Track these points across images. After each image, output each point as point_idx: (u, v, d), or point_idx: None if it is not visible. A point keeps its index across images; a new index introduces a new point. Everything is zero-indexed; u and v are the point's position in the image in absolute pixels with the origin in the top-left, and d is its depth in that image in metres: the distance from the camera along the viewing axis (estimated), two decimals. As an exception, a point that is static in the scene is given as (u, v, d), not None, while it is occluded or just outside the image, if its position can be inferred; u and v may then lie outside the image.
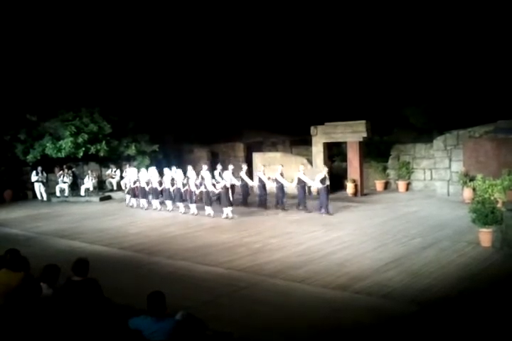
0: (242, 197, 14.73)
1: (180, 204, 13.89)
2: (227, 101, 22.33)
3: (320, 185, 12.93)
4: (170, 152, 20.93)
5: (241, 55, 21.82)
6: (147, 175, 14.97)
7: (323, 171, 13.29)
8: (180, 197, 13.79)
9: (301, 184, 13.54)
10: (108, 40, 19.41)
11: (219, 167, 15.48)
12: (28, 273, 4.88)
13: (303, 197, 13.55)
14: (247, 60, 21.79)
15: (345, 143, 17.11)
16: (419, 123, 18.17)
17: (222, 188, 12.67)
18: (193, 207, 13.51)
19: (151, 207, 14.88)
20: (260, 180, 14.27)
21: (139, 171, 15.65)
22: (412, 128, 18.48)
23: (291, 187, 14.15)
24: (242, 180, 14.57)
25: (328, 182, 12.98)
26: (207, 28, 21.23)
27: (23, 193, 18.92)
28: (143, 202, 15.10)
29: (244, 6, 20.50)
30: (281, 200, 13.92)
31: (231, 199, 12.76)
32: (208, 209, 13.03)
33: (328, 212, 12.59)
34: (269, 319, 5.59)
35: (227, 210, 12.62)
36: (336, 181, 16.20)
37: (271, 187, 14.34)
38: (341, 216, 12.41)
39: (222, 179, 14.13)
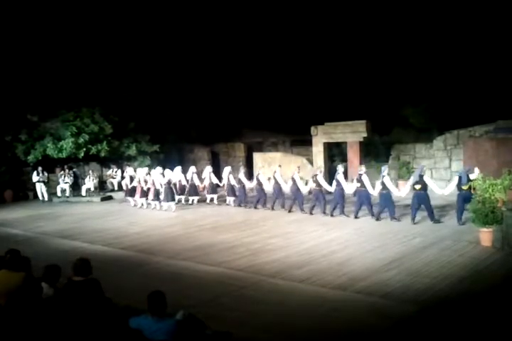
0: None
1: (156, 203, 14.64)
2: (227, 101, 22.36)
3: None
4: (171, 152, 20.96)
5: (241, 55, 21.84)
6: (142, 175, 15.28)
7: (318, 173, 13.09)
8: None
9: (261, 185, 13.77)
10: (108, 41, 19.42)
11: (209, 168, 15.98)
12: (29, 273, 4.89)
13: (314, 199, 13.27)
14: (247, 60, 21.81)
15: (345, 143, 17.13)
16: (419, 123, 18.19)
17: (165, 184, 14.13)
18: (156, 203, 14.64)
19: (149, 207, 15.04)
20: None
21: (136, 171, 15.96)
22: (412, 128, 18.50)
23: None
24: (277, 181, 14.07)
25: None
26: (207, 28, 21.25)
27: (24, 193, 18.93)
28: (142, 201, 15.29)
29: (244, 6, 20.51)
30: (282, 201, 13.87)
31: (175, 194, 14.45)
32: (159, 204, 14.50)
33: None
34: (270, 318, 5.60)
35: (168, 204, 14.18)
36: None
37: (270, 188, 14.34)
38: (341, 215, 12.41)
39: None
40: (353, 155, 16.43)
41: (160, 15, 20.57)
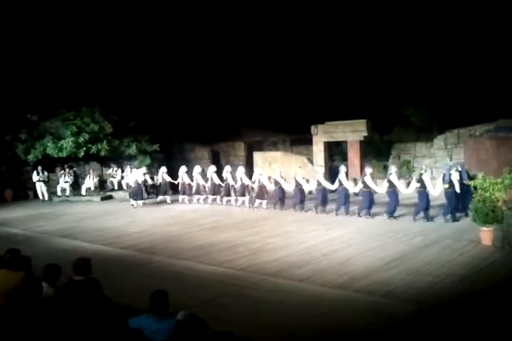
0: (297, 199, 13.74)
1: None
2: (227, 100, 22.33)
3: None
4: (171, 151, 20.94)
5: (241, 54, 21.81)
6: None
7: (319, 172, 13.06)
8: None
9: (299, 186, 13.37)
10: (108, 40, 19.40)
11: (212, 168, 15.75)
12: (29, 273, 4.88)
13: (302, 198, 13.34)
14: (247, 60, 21.78)
15: (345, 142, 17.10)
16: (419, 122, 18.19)
17: (135, 184, 15.28)
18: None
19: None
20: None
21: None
22: (412, 127, 18.49)
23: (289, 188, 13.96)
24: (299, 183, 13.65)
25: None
26: (207, 28, 21.22)
27: (24, 193, 18.93)
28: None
29: (244, 6, 20.48)
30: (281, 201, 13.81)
31: (143, 193, 15.73)
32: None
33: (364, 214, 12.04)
34: (270, 318, 5.58)
35: (135, 202, 15.40)
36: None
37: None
38: (342, 215, 12.41)
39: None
40: (354, 154, 16.40)
41: (160, 15, 20.54)
